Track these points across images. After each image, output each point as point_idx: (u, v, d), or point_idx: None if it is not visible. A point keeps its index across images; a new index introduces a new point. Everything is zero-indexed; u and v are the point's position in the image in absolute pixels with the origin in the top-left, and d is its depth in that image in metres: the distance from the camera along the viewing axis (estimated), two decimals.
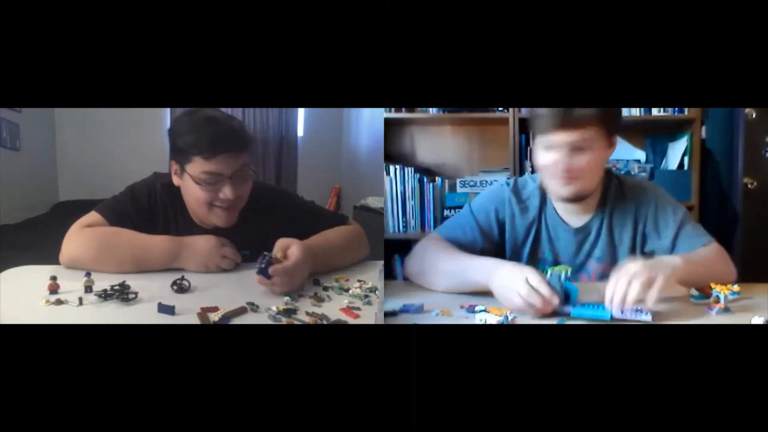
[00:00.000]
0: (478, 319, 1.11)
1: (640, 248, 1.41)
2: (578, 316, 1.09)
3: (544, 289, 1.08)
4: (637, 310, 1.09)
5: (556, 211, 1.44)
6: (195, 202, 1.35)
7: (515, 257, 1.46)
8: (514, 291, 1.09)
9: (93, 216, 1.36)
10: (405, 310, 1.16)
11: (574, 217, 1.43)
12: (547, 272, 1.13)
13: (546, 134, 1.29)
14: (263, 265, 1.19)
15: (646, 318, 1.08)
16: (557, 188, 1.36)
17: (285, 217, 1.49)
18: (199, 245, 1.32)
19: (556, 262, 1.42)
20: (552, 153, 1.31)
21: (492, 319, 1.10)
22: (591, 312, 1.09)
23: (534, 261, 1.45)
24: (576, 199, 1.38)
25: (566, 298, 1.11)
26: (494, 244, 1.45)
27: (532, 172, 1.65)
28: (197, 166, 1.28)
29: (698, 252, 1.33)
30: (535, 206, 1.45)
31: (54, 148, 4.30)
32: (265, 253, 1.21)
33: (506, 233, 1.46)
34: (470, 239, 1.43)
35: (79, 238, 1.32)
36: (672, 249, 1.37)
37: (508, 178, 1.53)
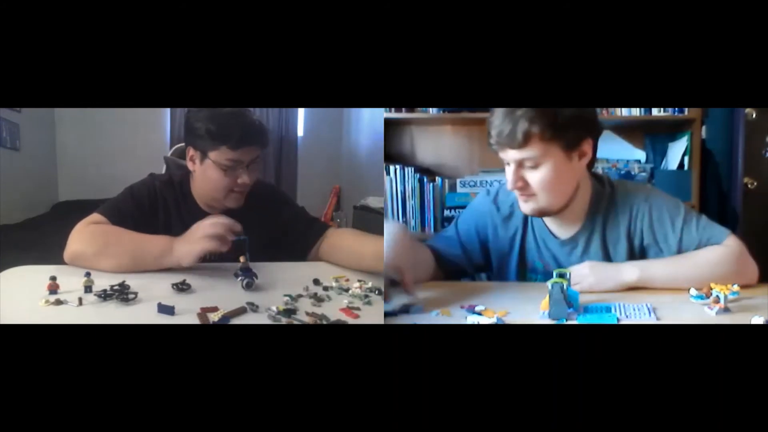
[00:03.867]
0: (470, 321, 1.10)
1: (640, 258, 1.35)
2: (585, 322, 1.08)
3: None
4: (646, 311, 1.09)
5: (542, 221, 1.40)
6: (213, 187, 1.44)
7: (502, 268, 1.44)
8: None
9: (96, 216, 1.39)
10: (405, 310, 1.16)
11: (561, 228, 1.39)
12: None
13: (497, 151, 1.27)
14: (244, 278, 1.24)
15: (651, 319, 1.08)
16: (519, 203, 1.33)
17: (276, 215, 1.59)
18: (193, 227, 1.30)
19: (546, 271, 1.37)
20: (507, 169, 1.28)
21: (485, 321, 1.09)
22: (597, 318, 1.09)
23: (523, 270, 1.43)
24: (539, 215, 1.34)
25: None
26: (477, 263, 1.45)
27: None
28: (223, 154, 1.39)
29: (697, 254, 1.30)
30: (519, 215, 1.41)
31: (54, 148, 4.30)
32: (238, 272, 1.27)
33: (490, 246, 1.45)
34: (454, 254, 1.44)
35: (82, 234, 1.34)
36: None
37: (489, 188, 1.50)
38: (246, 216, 1.51)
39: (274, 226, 1.57)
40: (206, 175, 1.43)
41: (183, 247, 1.28)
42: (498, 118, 1.23)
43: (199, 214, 1.45)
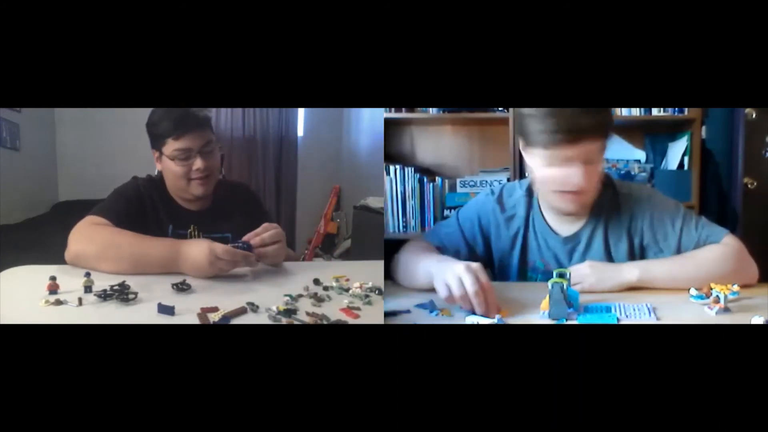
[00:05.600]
0: (470, 321, 1.10)
1: (640, 258, 1.35)
2: (585, 322, 1.09)
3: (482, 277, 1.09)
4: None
5: (544, 219, 1.40)
6: (174, 178, 1.52)
7: (504, 266, 1.44)
8: (446, 282, 1.10)
9: (95, 218, 1.39)
10: (424, 306, 1.17)
11: (564, 226, 1.39)
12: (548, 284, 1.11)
13: (550, 149, 1.21)
14: (244, 246, 1.32)
15: (651, 319, 1.08)
16: (562, 203, 1.31)
17: (248, 216, 1.64)
18: (192, 252, 1.29)
19: (547, 271, 1.36)
20: (558, 169, 1.23)
21: (485, 321, 1.09)
22: (597, 318, 1.09)
23: (524, 269, 1.43)
24: (579, 212, 1.35)
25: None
26: (478, 256, 1.44)
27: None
28: (170, 146, 1.48)
29: (696, 254, 1.31)
30: (521, 215, 1.42)
31: (54, 148, 4.29)
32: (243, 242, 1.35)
33: (493, 244, 1.45)
34: (455, 249, 1.42)
35: (83, 235, 1.35)
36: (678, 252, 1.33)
37: (492, 188, 1.49)
38: (221, 214, 1.59)
39: (247, 222, 1.58)
40: (166, 169, 1.52)
41: (191, 266, 1.29)
42: (558, 113, 1.18)
43: (178, 209, 1.56)
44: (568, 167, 1.22)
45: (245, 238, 1.36)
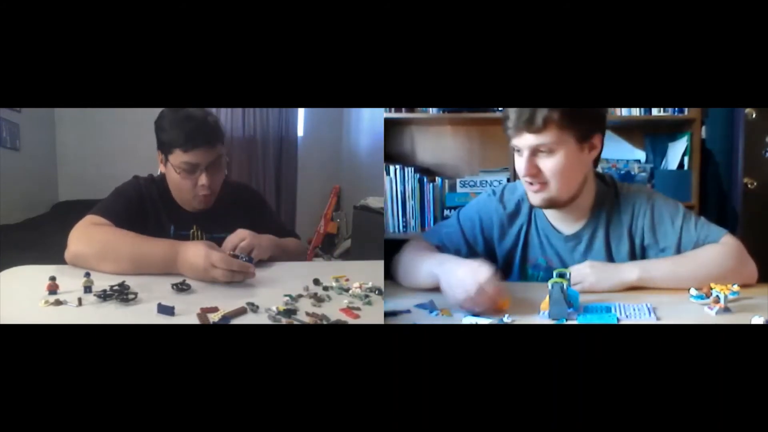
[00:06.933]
0: (467, 321, 1.10)
1: (641, 259, 1.36)
2: (585, 322, 1.09)
3: (491, 285, 1.09)
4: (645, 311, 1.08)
5: (546, 217, 1.41)
6: (178, 188, 1.50)
7: (507, 264, 1.44)
8: (459, 287, 1.11)
9: (95, 218, 1.39)
10: (424, 306, 1.17)
11: (565, 224, 1.40)
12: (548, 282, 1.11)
13: (512, 137, 1.27)
14: (245, 258, 1.30)
15: (651, 319, 1.08)
16: (528, 194, 1.34)
17: (251, 216, 1.63)
18: (189, 255, 1.27)
19: (549, 268, 1.37)
20: (519, 157, 1.29)
21: (484, 321, 1.09)
22: (597, 318, 1.09)
23: (526, 266, 1.43)
24: (548, 206, 1.34)
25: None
26: (479, 255, 1.43)
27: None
28: (177, 157, 1.43)
29: (696, 253, 1.31)
30: (524, 212, 1.43)
31: (54, 148, 4.29)
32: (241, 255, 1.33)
33: (495, 244, 1.45)
34: (455, 249, 1.42)
35: (83, 235, 1.34)
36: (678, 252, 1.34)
37: (494, 188, 1.50)
38: (224, 215, 1.57)
39: (251, 226, 1.56)
40: (171, 177, 1.49)
41: (188, 268, 1.26)
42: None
43: (179, 209, 1.54)
44: (523, 156, 1.27)
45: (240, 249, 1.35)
